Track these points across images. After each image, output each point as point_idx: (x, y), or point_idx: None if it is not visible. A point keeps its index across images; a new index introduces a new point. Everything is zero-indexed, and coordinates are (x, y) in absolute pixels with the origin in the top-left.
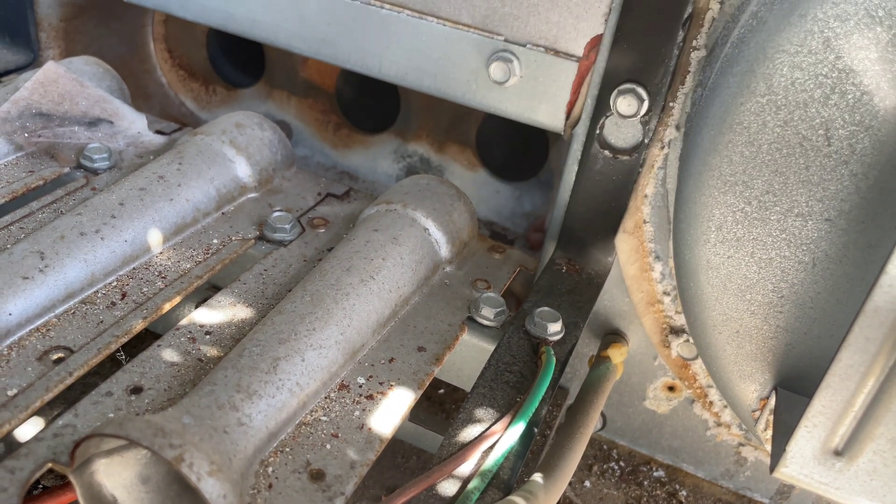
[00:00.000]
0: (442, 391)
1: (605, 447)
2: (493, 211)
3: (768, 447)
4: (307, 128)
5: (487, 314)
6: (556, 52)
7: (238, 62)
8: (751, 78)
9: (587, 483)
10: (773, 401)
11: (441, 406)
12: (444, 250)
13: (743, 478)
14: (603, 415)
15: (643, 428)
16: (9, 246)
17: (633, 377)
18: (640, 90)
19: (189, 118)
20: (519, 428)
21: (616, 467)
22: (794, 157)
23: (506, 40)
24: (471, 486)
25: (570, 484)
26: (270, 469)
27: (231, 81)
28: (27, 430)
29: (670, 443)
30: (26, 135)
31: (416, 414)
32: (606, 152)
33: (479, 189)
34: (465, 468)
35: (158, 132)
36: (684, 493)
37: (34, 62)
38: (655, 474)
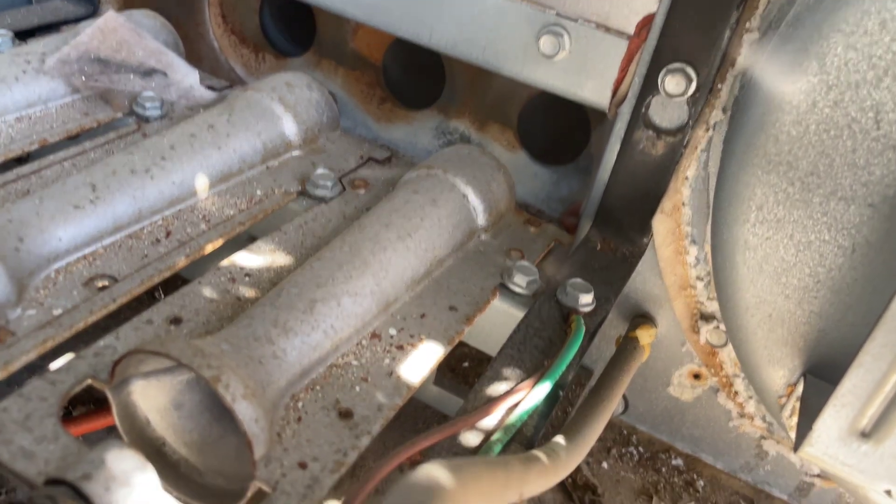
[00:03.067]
0: (466, 364)
1: (624, 432)
2: (530, 193)
3: (792, 434)
4: (352, 99)
5: (520, 282)
6: (607, 29)
7: (289, 31)
8: (804, 56)
9: (605, 465)
10: (800, 387)
11: (465, 379)
12: (481, 218)
13: (763, 472)
14: (625, 398)
15: (665, 415)
16: (62, 178)
17: (658, 362)
18: (690, 70)
19: (237, 84)
20: (545, 387)
21: (635, 452)
22: (841, 140)
23: (558, 14)
24: (494, 437)
25: (587, 463)
26: (301, 404)
27: (281, 50)
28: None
29: (691, 432)
30: (83, 78)
31: (440, 379)
32: (650, 132)
33: (517, 171)
34: (489, 421)
35: (210, 87)
36: (702, 483)
37: (94, 14)
38: (674, 462)
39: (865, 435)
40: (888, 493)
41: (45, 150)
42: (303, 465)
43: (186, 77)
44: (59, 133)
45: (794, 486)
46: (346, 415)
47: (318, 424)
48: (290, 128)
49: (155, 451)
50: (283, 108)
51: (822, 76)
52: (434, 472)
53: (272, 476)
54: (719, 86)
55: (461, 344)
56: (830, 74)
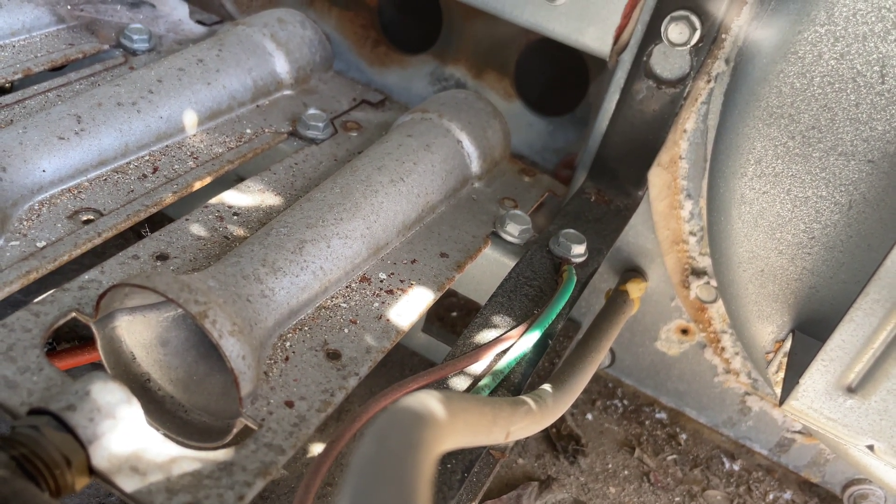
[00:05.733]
0: (455, 314)
1: (610, 385)
2: (525, 144)
3: (777, 389)
4: (345, 41)
5: (512, 230)
6: None
7: None
8: (812, 6)
9: (589, 416)
10: (788, 343)
11: (453, 328)
12: (475, 165)
13: (745, 427)
14: (612, 351)
15: (651, 369)
16: (46, 109)
17: (647, 316)
18: (694, 18)
19: (228, 19)
20: (534, 336)
21: (619, 405)
22: (845, 93)
23: None
24: (482, 383)
25: (571, 414)
26: (288, 343)
27: None
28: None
29: (676, 386)
30: (69, 7)
31: (428, 327)
32: (651, 82)
33: (513, 120)
34: (478, 367)
35: (199, 22)
36: (684, 436)
37: None
38: (658, 416)
39: (852, 390)
40: (871, 448)
41: (29, 80)
42: (289, 404)
43: (175, 10)
44: (43, 63)
45: (774, 441)
46: (333, 356)
47: (305, 364)
48: (281, 66)
49: (140, 387)
50: (275, 46)
51: (829, 26)
52: (425, 399)
53: (258, 413)
54: (724, 36)
55: (450, 293)
56: (838, 25)
